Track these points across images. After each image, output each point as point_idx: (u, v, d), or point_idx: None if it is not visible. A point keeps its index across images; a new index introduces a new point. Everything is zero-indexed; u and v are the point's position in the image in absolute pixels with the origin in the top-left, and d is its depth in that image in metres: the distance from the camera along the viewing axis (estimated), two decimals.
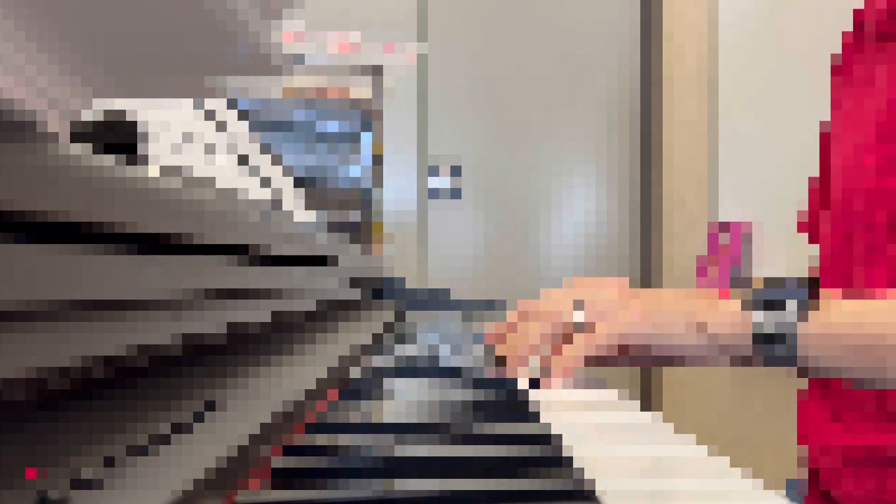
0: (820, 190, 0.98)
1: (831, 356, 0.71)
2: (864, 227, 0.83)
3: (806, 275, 1.02)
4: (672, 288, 0.85)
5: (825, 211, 0.91)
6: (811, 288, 0.73)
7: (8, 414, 0.30)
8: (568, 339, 0.76)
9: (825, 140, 0.97)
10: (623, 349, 0.74)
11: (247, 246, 0.61)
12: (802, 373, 0.73)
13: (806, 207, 1.03)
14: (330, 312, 0.97)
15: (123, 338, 0.38)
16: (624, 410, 0.76)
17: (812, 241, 1.02)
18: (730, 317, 0.73)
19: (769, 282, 0.74)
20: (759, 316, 0.72)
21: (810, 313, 0.71)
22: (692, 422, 2.91)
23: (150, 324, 0.42)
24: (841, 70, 0.92)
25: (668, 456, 0.61)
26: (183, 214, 0.48)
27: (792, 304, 0.71)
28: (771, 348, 0.71)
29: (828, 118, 0.97)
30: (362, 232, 2.16)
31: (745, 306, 0.73)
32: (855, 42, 0.90)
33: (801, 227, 1.03)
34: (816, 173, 1.00)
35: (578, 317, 0.75)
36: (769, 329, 0.71)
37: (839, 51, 0.94)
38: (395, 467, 0.55)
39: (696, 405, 2.95)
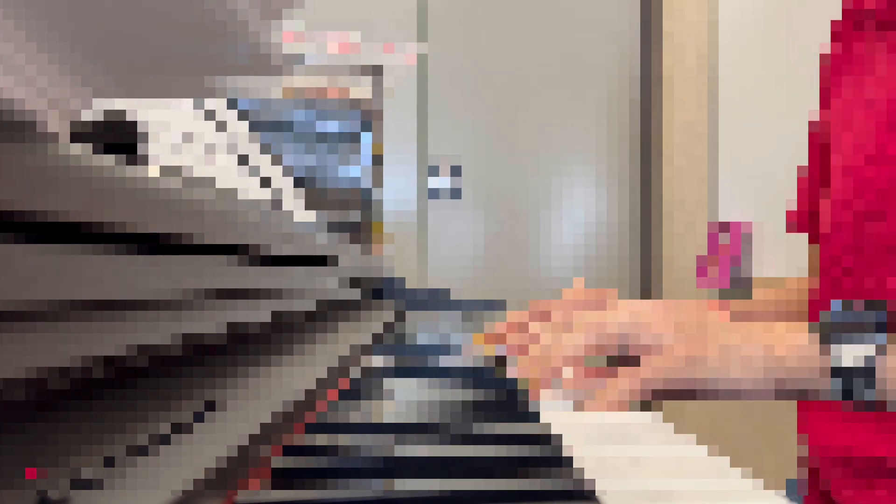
0: (812, 180, 0.98)
1: None
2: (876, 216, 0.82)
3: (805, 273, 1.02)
4: (696, 300, 0.72)
5: (825, 201, 0.90)
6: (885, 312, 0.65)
7: (8, 414, 0.30)
8: (610, 356, 0.68)
9: (814, 137, 0.97)
10: (671, 385, 0.66)
11: (247, 246, 0.61)
12: (881, 407, 0.65)
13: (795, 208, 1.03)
14: (330, 312, 0.97)
15: (123, 338, 0.38)
16: (623, 410, 0.75)
17: (801, 229, 1.02)
18: (797, 352, 0.65)
19: (837, 304, 0.66)
20: (836, 350, 0.64)
21: (888, 346, 0.64)
22: (692, 422, 2.92)
23: (150, 324, 0.42)
24: (840, 54, 0.92)
25: (668, 456, 0.61)
26: (183, 214, 0.48)
27: (870, 336, 0.64)
28: (849, 385, 0.64)
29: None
30: (362, 232, 2.16)
31: (819, 339, 0.65)
32: (855, 30, 0.90)
33: (790, 228, 1.03)
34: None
35: (624, 339, 0.67)
36: (848, 363, 0.64)
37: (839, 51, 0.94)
38: (395, 467, 0.55)
39: (696, 405, 2.95)
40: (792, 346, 0.66)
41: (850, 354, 0.64)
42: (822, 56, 0.95)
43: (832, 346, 0.65)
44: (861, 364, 0.64)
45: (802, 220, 1.01)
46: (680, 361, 0.65)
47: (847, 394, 0.64)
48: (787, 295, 1.00)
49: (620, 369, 0.66)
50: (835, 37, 0.92)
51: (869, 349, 0.64)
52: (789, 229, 1.03)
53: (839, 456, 0.86)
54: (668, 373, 0.65)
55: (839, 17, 0.93)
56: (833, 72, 0.92)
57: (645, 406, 0.73)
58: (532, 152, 3.08)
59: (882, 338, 0.64)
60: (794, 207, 1.02)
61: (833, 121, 0.91)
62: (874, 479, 0.83)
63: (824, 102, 0.95)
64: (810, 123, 0.98)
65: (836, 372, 0.64)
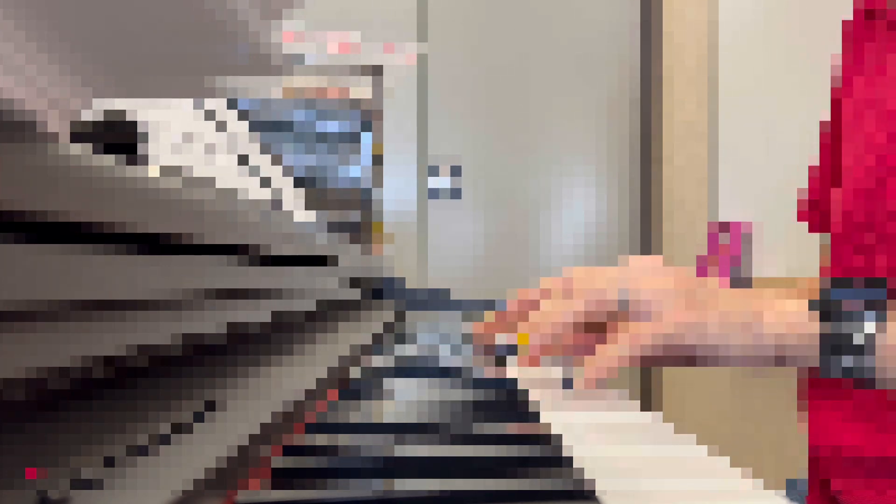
0: (821, 178, 0.98)
1: None
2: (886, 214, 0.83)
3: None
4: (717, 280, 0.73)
5: (836, 190, 0.90)
6: (884, 290, 0.66)
7: (8, 414, 0.30)
8: (604, 326, 0.68)
9: (825, 137, 0.97)
10: (668, 350, 0.66)
11: (247, 246, 0.61)
12: (871, 385, 0.66)
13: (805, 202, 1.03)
14: (330, 312, 0.97)
15: (123, 338, 0.38)
16: (624, 410, 0.75)
17: (812, 229, 1.02)
18: (796, 318, 0.65)
19: (836, 282, 0.69)
20: (826, 327, 0.65)
21: (889, 324, 0.64)
22: (692, 422, 2.92)
23: (150, 324, 0.42)
24: (851, 54, 0.92)
25: (668, 456, 0.61)
26: (183, 214, 0.48)
27: (869, 314, 0.64)
28: (839, 360, 0.64)
29: (827, 118, 0.97)
30: (362, 232, 2.16)
31: (815, 312, 0.65)
32: (866, 29, 0.90)
33: (801, 216, 1.03)
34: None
35: (623, 305, 0.67)
36: (840, 340, 0.64)
37: (839, 51, 0.94)
38: (395, 467, 0.55)
39: (696, 405, 2.95)
40: (793, 323, 0.66)
41: (850, 331, 0.64)
42: (833, 56, 0.95)
43: (832, 323, 0.65)
44: (861, 341, 0.64)
45: (814, 214, 1.01)
46: (680, 328, 0.65)
47: (847, 371, 0.64)
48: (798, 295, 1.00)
49: (619, 335, 0.66)
50: (846, 36, 0.92)
51: (869, 326, 0.64)
52: (800, 218, 1.03)
53: (840, 455, 0.86)
54: (666, 339, 0.65)
55: (839, 17, 0.93)
56: (844, 71, 0.92)
57: (645, 406, 0.73)
58: (532, 152, 3.08)
59: (882, 315, 0.64)
60: (805, 199, 1.02)
61: (844, 120, 0.91)
62: (875, 479, 0.83)
63: (836, 99, 0.95)
64: (821, 124, 0.98)
65: (836, 349, 0.64)
